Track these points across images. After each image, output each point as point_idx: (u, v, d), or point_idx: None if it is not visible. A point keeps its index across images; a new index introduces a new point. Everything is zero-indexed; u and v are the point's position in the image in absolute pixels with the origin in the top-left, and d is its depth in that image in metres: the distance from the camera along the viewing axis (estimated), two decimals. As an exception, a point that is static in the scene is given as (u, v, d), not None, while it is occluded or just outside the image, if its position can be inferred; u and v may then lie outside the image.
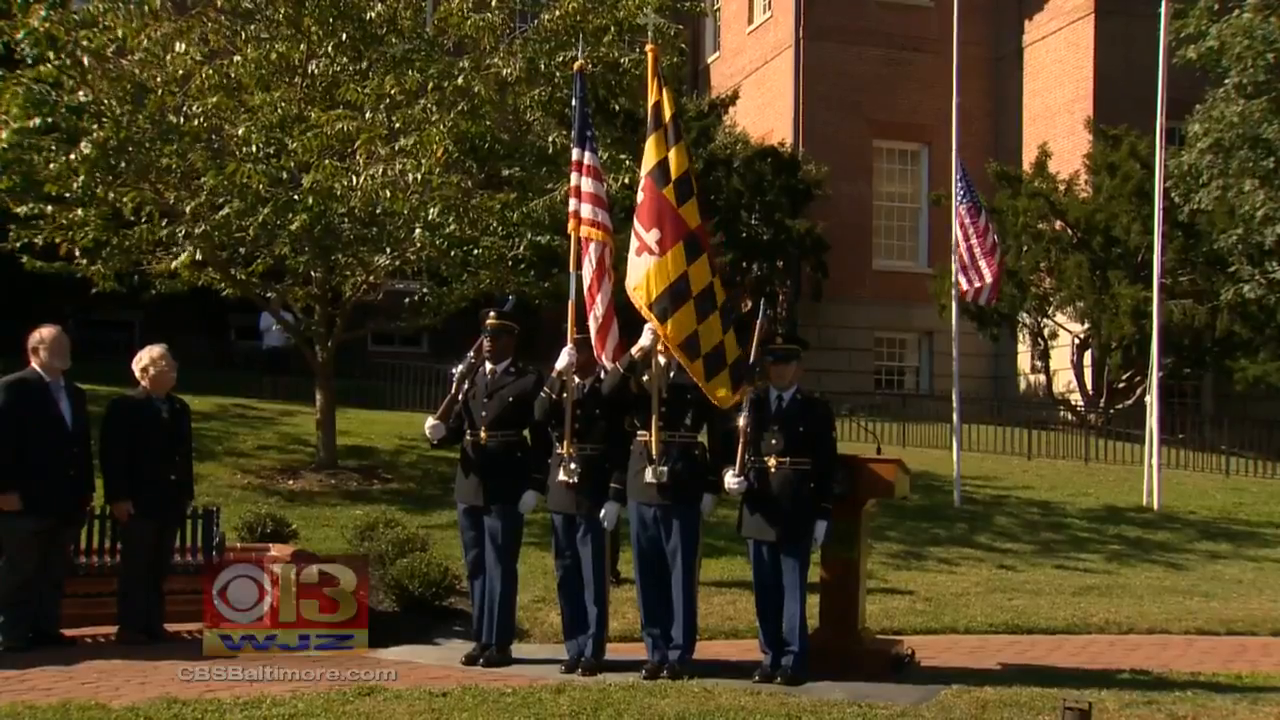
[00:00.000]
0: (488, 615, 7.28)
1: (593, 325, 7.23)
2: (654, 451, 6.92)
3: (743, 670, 6.92)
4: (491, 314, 7.43)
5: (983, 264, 14.92)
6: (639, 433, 7.09)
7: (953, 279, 15.55)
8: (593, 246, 7.29)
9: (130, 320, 20.99)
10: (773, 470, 6.87)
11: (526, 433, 7.38)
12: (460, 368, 7.43)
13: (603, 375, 7.14)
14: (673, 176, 7.01)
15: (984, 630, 8.91)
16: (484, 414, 7.28)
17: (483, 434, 7.28)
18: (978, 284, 15.03)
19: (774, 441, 6.88)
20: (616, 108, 15.75)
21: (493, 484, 7.23)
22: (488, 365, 7.38)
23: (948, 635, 8.75)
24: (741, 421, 6.88)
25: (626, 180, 12.18)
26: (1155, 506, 15.16)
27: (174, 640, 7.74)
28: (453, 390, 7.41)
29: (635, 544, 7.06)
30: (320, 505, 11.65)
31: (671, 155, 7.03)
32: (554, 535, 7.25)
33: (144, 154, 10.88)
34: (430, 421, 7.46)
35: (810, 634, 6.95)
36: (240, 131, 10.91)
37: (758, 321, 7.20)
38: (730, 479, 6.87)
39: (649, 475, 6.91)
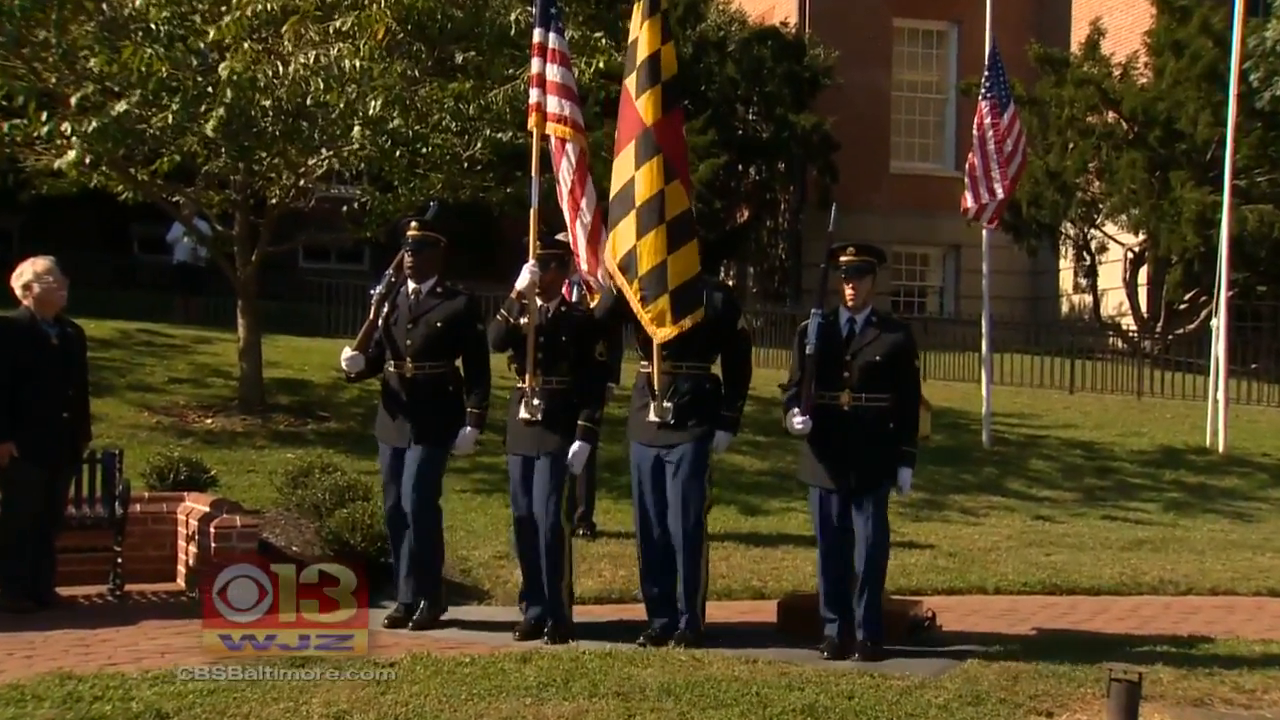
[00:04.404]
0: (410, 570, 7.31)
1: (581, 236, 7.16)
2: (657, 385, 6.88)
3: (746, 637, 6.99)
4: (413, 223, 7.35)
5: (996, 175, 14.51)
6: (641, 363, 7.06)
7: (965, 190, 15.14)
8: (568, 146, 7.19)
9: (6, 228, 20.78)
10: (845, 407, 6.83)
11: (459, 363, 7.34)
12: (379, 288, 7.35)
13: (585, 295, 7.09)
14: (638, 60, 6.89)
15: (1016, 590, 8.99)
16: (408, 342, 7.24)
17: (408, 365, 7.25)
18: (985, 200, 14.61)
19: (846, 374, 6.82)
20: (592, -21, 15.56)
21: (420, 422, 7.20)
22: (410, 285, 7.30)
23: (974, 596, 8.84)
24: (808, 350, 6.82)
25: (601, 65, 12.04)
26: (1220, 448, 15.26)
27: (67, 606, 7.73)
28: (371, 314, 7.35)
29: (635, 492, 7.04)
30: (244, 448, 11.66)
31: (643, 34, 6.90)
32: (510, 481, 7.22)
33: (13, 23, 10.51)
34: (346, 352, 7.40)
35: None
36: (138, 3, 10.62)
37: (829, 227, 7.24)
38: (795, 418, 6.81)
39: (652, 413, 6.88)
